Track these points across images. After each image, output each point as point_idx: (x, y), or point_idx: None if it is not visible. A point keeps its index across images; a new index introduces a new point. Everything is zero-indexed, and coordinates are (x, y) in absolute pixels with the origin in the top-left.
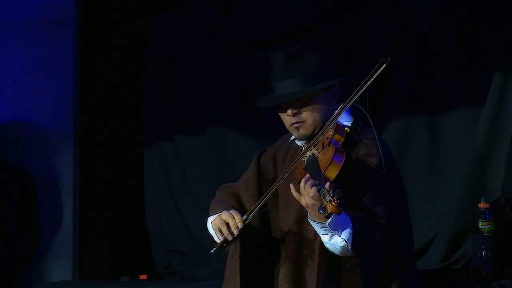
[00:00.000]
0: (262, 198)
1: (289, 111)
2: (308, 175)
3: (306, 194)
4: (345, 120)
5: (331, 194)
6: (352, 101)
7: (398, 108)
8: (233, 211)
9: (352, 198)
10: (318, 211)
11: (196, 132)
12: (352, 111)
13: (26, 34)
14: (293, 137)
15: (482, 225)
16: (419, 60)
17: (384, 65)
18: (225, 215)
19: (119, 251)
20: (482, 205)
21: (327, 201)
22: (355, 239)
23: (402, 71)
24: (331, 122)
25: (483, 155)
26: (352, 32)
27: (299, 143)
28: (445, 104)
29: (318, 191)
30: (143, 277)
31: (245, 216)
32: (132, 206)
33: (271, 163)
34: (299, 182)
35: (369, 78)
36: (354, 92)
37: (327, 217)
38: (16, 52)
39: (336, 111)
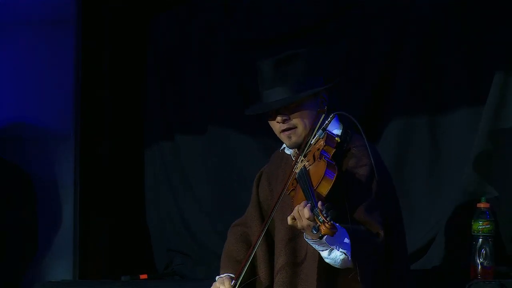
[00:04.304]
0: (246, 258)
1: (279, 118)
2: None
3: (301, 216)
4: (335, 128)
5: (324, 215)
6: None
7: (398, 108)
8: (225, 278)
9: (345, 209)
10: (312, 231)
11: (197, 132)
12: (341, 118)
13: (26, 34)
14: (283, 146)
15: (482, 225)
16: (419, 60)
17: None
18: (218, 282)
19: (120, 251)
20: (482, 205)
21: (320, 222)
22: (354, 250)
23: (402, 71)
24: (315, 133)
25: (483, 155)
26: (352, 32)
27: (288, 151)
28: (445, 104)
29: (312, 210)
30: (143, 276)
31: (233, 282)
32: (133, 206)
33: (267, 187)
34: (290, 193)
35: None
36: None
37: (320, 237)
38: (16, 52)
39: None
